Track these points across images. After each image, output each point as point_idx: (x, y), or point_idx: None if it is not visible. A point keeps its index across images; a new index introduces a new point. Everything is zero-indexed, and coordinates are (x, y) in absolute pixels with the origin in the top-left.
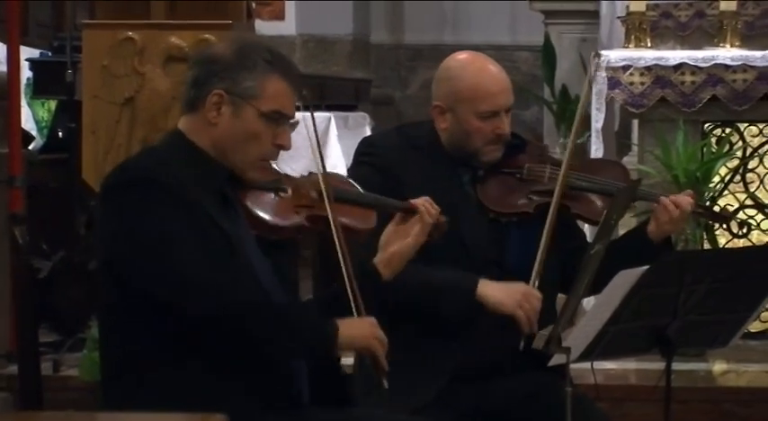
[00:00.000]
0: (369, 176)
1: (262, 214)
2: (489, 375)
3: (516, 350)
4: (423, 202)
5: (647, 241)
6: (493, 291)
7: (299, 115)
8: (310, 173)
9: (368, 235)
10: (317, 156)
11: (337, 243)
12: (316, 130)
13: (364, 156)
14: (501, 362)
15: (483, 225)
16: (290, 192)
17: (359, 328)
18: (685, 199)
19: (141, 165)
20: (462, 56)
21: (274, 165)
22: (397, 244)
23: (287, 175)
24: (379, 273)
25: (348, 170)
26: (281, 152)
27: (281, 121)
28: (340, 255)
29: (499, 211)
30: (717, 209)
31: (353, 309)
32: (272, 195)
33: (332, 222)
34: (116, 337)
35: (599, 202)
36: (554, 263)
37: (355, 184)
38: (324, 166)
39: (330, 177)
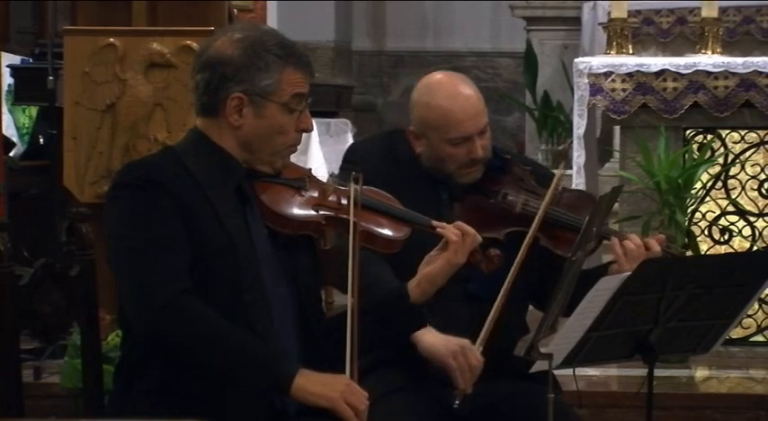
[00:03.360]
0: None
1: (275, 205)
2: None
3: (498, 356)
4: (451, 227)
5: None
6: (432, 337)
7: None
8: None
9: (398, 246)
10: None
11: (350, 269)
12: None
13: (347, 163)
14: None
15: None
16: (314, 192)
17: (324, 386)
18: (654, 242)
19: (143, 166)
20: (433, 79)
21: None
22: (431, 266)
23: (314, 178)
24: (407, 294)
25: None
26: None
27: (300, 104)
28: (348, 311)
29: None
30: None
31: (347, 367)
32: (292, 191)
33: (351, 233)
34: (125, 340)
35: (570, 238)
36: (522, 284)
37: (395, 200)
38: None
39: (369, 190)
